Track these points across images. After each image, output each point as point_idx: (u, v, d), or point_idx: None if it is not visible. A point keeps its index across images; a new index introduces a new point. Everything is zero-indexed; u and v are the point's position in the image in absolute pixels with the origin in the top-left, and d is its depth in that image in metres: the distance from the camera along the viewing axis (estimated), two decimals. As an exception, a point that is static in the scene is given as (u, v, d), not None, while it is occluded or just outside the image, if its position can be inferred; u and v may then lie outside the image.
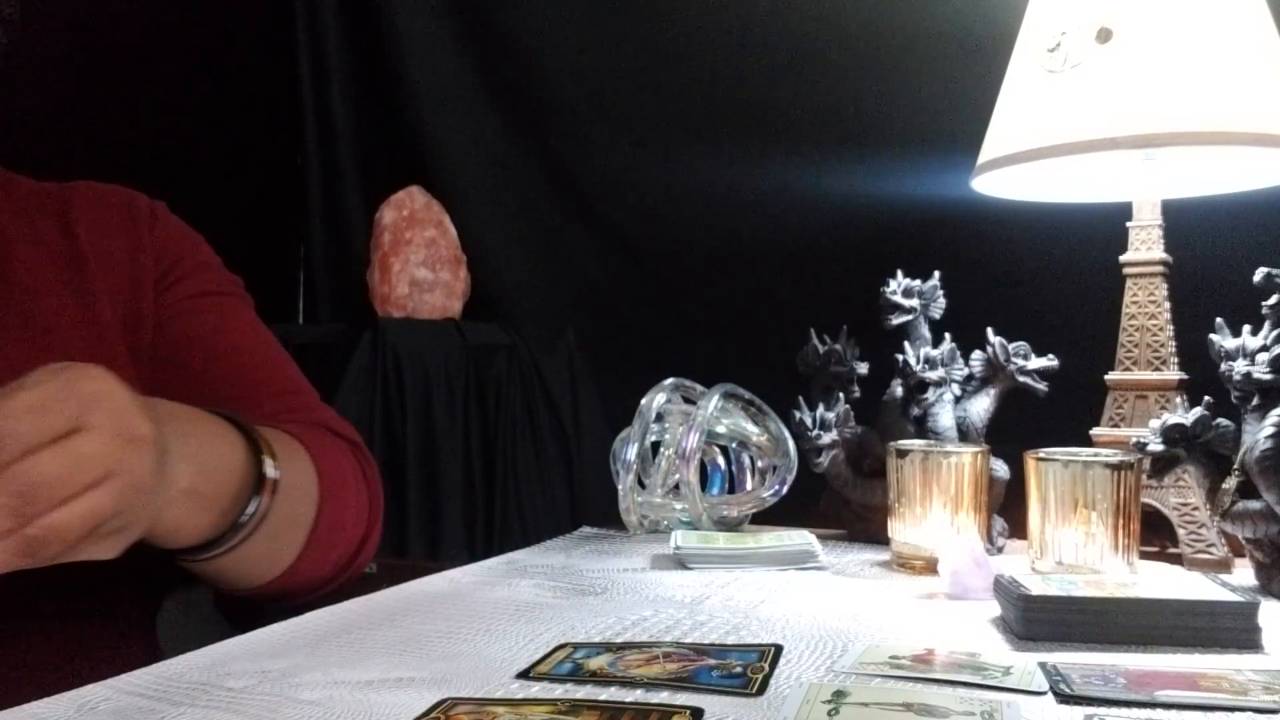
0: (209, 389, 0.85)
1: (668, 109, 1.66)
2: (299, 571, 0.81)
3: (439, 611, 0.81)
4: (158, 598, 0.89)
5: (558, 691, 0.59)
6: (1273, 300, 0.88)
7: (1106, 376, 1.11)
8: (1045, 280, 1.35)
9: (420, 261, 1.62)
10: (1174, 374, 1.08)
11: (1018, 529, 1.02)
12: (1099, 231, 1.17)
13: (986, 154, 1.15)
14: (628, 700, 0.57)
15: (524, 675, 0.63)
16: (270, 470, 0.73)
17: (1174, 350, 1.08)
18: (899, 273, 1.13)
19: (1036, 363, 1.05)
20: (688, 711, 0.55)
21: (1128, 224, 1.11)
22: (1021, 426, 1.04)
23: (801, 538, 1.05)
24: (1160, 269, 1.09)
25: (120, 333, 0.85)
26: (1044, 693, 0.59)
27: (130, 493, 0.58)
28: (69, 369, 0.58)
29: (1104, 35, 1.05)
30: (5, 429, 0.54)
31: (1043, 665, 0.64)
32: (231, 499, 0.72)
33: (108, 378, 0.59)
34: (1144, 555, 0.96)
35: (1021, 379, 1.05)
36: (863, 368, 1.19)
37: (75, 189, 0.91)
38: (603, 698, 0.58)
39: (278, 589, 0.82)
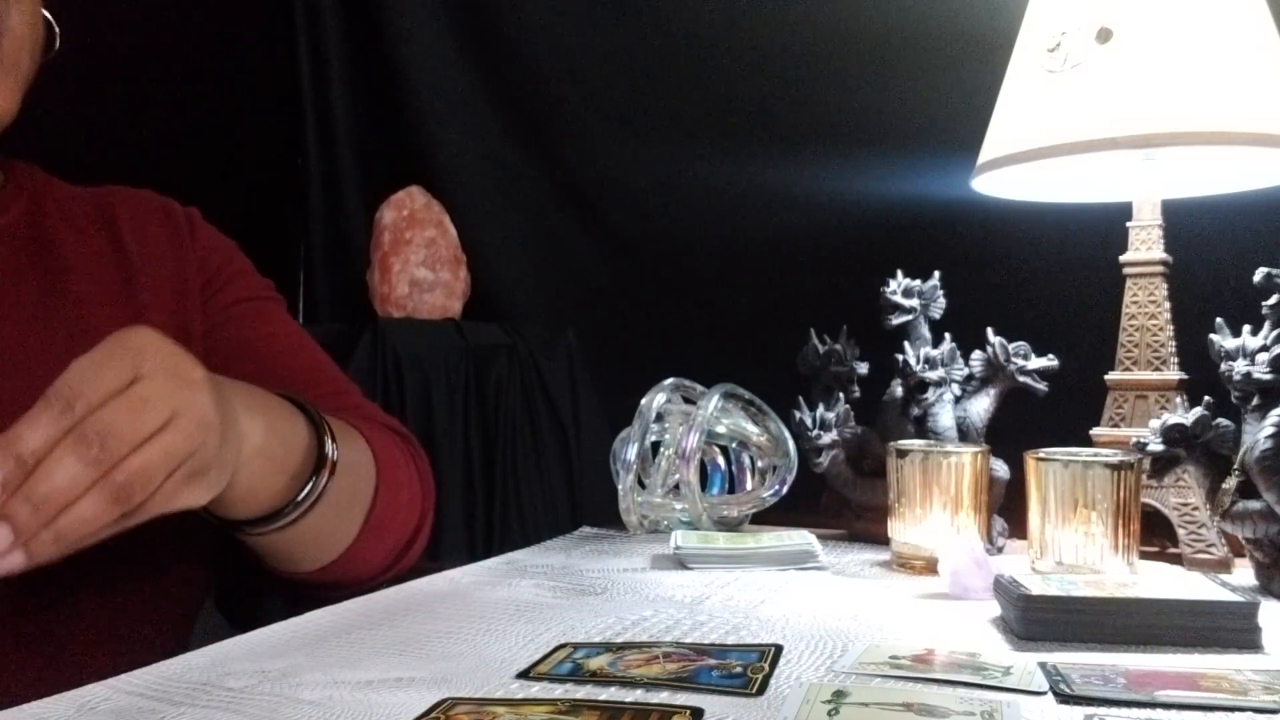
0: None
1: (668, 109, 1.66)
2: (356, 555, 0.82)
3: (439, 611, 0.81)
4: (200, 595, 0.90)
5: (558, 691, 0.59)
6: (1273, 300, 0.88)
7: (1106, 376, 1.11)
8: (1045, 280, 1.35)
9: (420, 261, 1.62)
10: (1174, 374, 1.08)
11: (1018, 529, 1.02)
12: (1099, 231, 1.17)
13: (986, 154, 1.15)
14: (628, 700, 0.57)
15: (524, 675, 0.63)
16: (329, 448, 0.75)
17: (1174, 350, 1.08)
18: (899, 273, 1.13)
19: (1036, 363, 1.05)
20: (688, 711, 0.55)
21: (1128, 224, 1.11)
22: (1021, 426, 1.04)
23: (801, 538, 1.05)
24: (1160, 269, 1.10)
25: None
26: (1044, 693, 0.59)
27: (199, 430, 0.61)
28: (116, 333, 0.61)
29: (1104, 35, 1.05)
30: (72, 389, 0.57)
31: (1043, 665, 0.64)
32: (298, 465, 0.74)
33: (151, 333, 0.62)
34: (1144, 555, 0.96)
35: (1021, 379, 1.05)
36: (863, 368, 1.19)
37: (115, 196, 0.91)
38: (603, 698, 0.58)
39: (335, 575, 0.83)
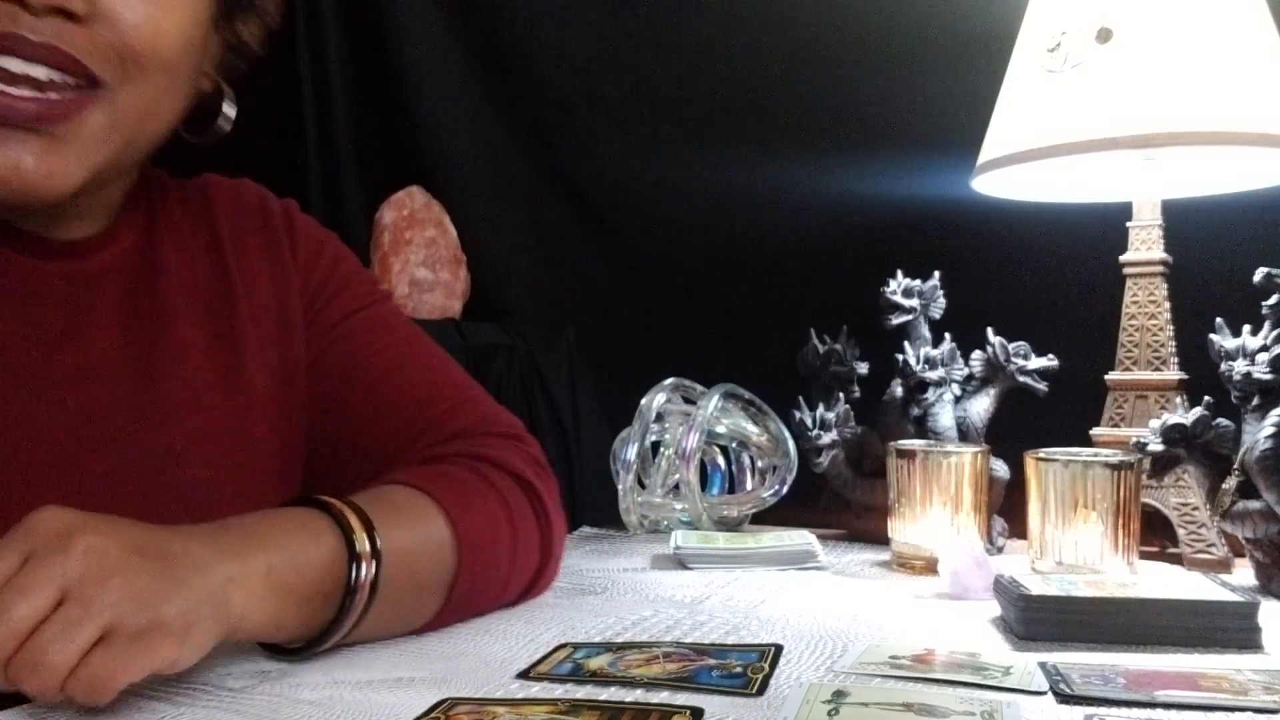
0: (365, 422, 0.81)
1: (668, 109, 1.66)
2: (444, 622, 0.74)
3: (439, 611, 0.81)
4: None
5: (558, 691, 0.59)
6: (1273, 300, 0.88)
7: (1106, 376, 1.11)
8: (1045, 280, 1.35)
9: (420, 261, 1.62)
10: (1174, 374, 1.08)
11: (1017, 529, 1.02)
12: (1099, 231, 1.16)
13: (986, 154, 1.14)
14: (628, 700, 0.57)
15: (524, 675, 0.63)
16: (364, 569, 0.65)
17: (1174, 350, 1.08)
18: (899, 273, 1.13)
19: (1036, 363, 1.05)
20: (688, 711, 0.55)
21: (1128, 224, 1.11)
22: (1021, 426, 1.04)
23: (801, 538, 1.05)
24: (1160, 269, 1.09)
25: (269, 396, 0.79)
26: (1044, 693, 0.59)
27: (104, 594, 0.53)
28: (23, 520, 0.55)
29: (1104, 35, 1.05)
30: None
31: (1043, 665, 0.64)
32: (330, 584, 0.65)
33: (54, 511, 0.55)
34: (1144, 555, 0.95)
35: (1021, 379, 1.05)
36: (863, 368, 1.20)
37: (212, 190, 0.84)
38: (603, 698, 0.58)
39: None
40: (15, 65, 0.61)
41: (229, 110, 0.79)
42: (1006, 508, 1.07)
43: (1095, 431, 1.10)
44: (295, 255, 0.84)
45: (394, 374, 0.83)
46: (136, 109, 0.66)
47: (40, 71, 0.62)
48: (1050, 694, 0.59)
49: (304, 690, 0.60)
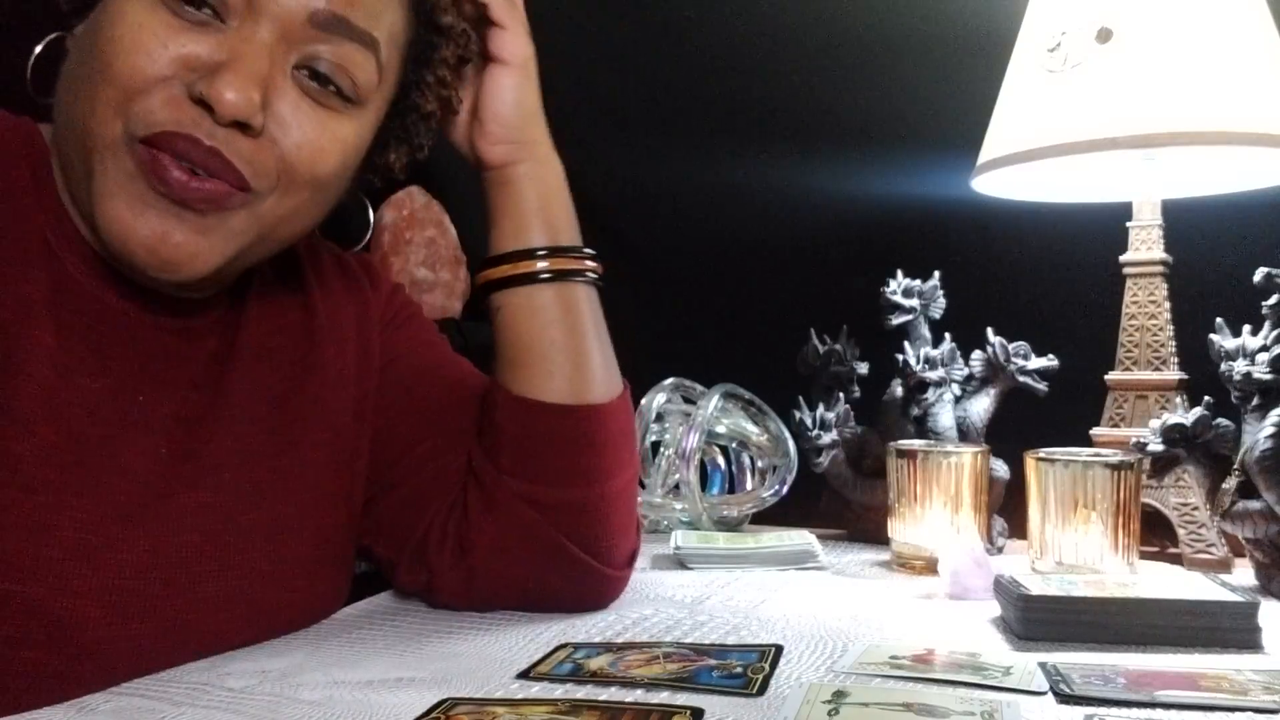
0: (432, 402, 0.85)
1: (667, 108, 1.66)
2: (606, 417, 0.79)
3: (439, 611, 0.81)
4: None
5: (558, 692, 0.59)
6: (1273, 300, 0.88)
7: (1106, 376, 1.11)
8: (1045, 280, 1.35)
9: (420, 261, 1.62)
10: (1174, 374, 1.08)
11: (1017, 529, 1.03)
12: (1099, 231, 1.16)
13: (986, 154, 1.14)
14: (628, 700, 0.57)
15: (524, 675, 0.63)
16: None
17: (1174, 350, 1.08)
18: (899, 273, 1.13)
19: (1036, 363, 1.05)
20: (688, 712, 0.55)
21: (1128, 224, 1.11)
22: (1021, 426, 1.04)
23: (801, 538, 1.05)
24: (1160, 269, 1.10)
25: (349, 445, 0.81)
26: (1044, 693, 0.59)
27: None
28: None
29: (1104, 35, 1.05)
30: None
31: (1043, 665, 0.64)
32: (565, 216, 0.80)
33: None
34: (1144, 555, 0.96)
35: (1021, 379, 1.05)
36: (863, 368, 1.20)
37: (318, 266, 0.86)
38: (603, 698, 0.58)
39: (585, 428, 0.78)
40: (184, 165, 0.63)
41: (369, 218, 0.86)
42: (1006, 508, 1.07)
43: (1095, 431, 1.10)
44: (375, 287, 0.88)
45: (443, 379, 0.88)
46: (278, 216, 0.68)
47: (203, 174, 0.64)
48: (1050, 694, 0.59)
49: (304, 690, 0.60)
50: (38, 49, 0.70)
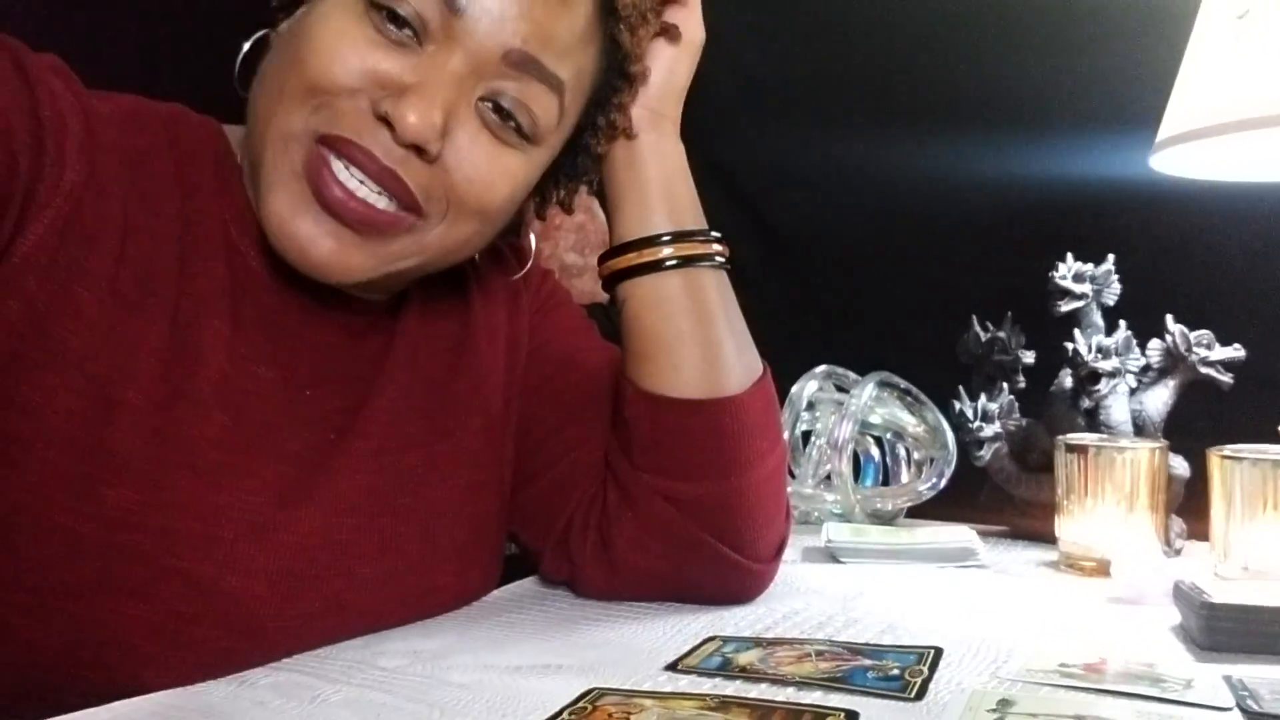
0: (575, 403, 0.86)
1: (826, 91, 1.63)
2: (741, 409, 0.76)
3: (585, 598, 0.81)
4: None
5: (706, 686, 0.58)
6: None
7: (1299, 368, 1.04)
8: (1230, 265, 1.28)
9: (570, 246, 1.63)
10: (1377, 366, 1.00)
11: (1196, 530, 0.99)
12: (1291, 212, 1.09)
13: (1167, 129, 1.08)
14: (779, 699, 0.56)
15: (671, 667, 0.62)
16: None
17: (1378, 340, 1.01)
18: (1069, 256, 1.09)
19: (1221, 353, 1.01)
20: (842, 714, 0.53)
21: (1325, 203, 1.04)
22: (1203, 421, 1.00)
23: (961, 534, 1.03)
24: (1364, 252, 1.02)
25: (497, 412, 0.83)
26: (1229, 709, 0.56)
27: None
28: None
29: (1303, -2, 0.97)
30: None
31: (1228, 679, 0.60)
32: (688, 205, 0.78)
33: None
34: (1342, 562, 0.89)
35: (1204, 370, 1.01)
36: (1028, 357, 1.17)
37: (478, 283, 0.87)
38: (752, 695, 0.57)
39: (718, 424, 0.76)
40: (354, 175, 0.65)
41: (530, 243, 0.86)
42: (1184, 508, 1.03)
43: (1286, 427, 1.03)
44: (528, 287, 0.88)
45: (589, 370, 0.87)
46: (442, 243, 0.70)
47: (373, 188, 0.65)
48: (1236, 710, 0.56)
49: (454, 673, 0.61)
50: (246, 46, 0.72)
